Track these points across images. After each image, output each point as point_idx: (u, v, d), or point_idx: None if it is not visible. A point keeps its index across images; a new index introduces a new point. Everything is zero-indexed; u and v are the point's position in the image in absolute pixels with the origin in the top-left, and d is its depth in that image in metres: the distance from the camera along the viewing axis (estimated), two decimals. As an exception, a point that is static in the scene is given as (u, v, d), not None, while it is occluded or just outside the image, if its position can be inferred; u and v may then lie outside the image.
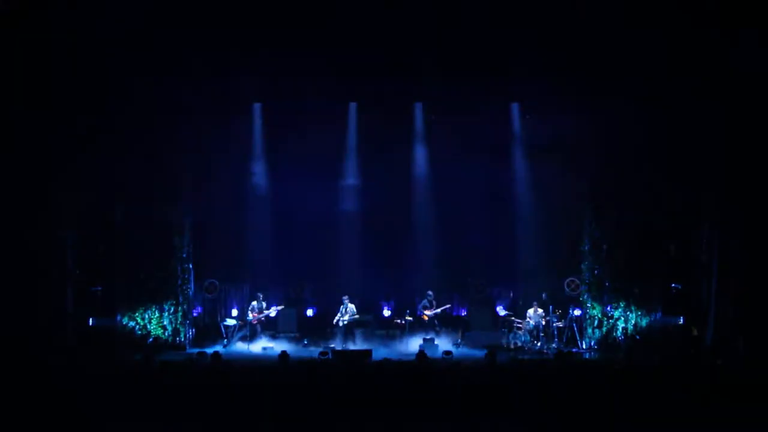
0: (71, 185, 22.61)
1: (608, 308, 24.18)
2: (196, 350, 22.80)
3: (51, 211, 22.28)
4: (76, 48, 20.72)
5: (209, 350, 22.31)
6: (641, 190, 23.94)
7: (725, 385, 15.53)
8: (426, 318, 24.65)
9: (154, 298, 23.84)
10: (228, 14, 20.70)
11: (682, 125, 22.70)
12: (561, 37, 21.00)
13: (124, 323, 23.55)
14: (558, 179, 24.77)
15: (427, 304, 24.84)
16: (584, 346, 23.88)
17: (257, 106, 25.34)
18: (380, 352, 22.19)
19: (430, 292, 24.99)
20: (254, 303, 24.68)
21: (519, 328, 24.09)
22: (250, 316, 24.36)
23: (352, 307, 24.48)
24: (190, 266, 24.53)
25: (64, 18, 20.11)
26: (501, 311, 24.90)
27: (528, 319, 24.16)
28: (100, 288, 23.62)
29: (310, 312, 25.23)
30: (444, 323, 24.73)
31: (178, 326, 23.97)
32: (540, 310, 24.18)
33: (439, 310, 24.73)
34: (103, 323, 23.37)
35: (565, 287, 25.00)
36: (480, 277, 25.54)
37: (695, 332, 23.60)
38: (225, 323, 24.50)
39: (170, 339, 23.79)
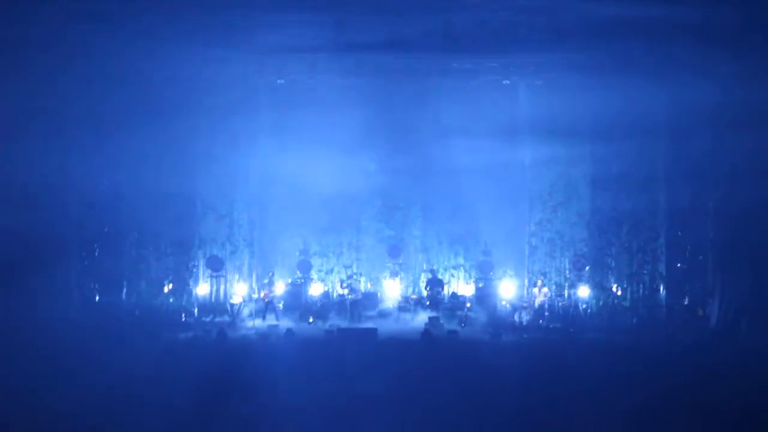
0: (81, 160, 22.55)
1: (613, 287, 24.22)
2: (201, 327, 22.88)
3: (59, 185, 22.22)
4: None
5: (215, 327, 22.46)
6: (647, 169, 23.90)
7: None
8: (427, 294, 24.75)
9: (160, 275, 23.82)
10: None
11: (687, 104, 22.61)
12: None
13: (131, 300, 23.53)
14: (563, 158, 24.70)
15: (434, 283, 24.86)
16: (589, 326, 23.83)
17: (264, 82, 25.16)
18: (386, 330, 22.20)
19: (435, 270, 25.03)
20: (265, 280, 24.71)
21: (524, 307, 24.07)
22: (261, 294, 24.35)
23: (358, 284, 24.48)
24: (197, 243, 24.54)
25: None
26: (506, 290, 24.84)
27: (533, 298, 24.15)
28: (106, 263, 23.57)
29: (316, 290, 25.20)
30: (450, 302, 24.70)
31: (183, 303, 23.96)
32: (545, 289, 24.18)
33: (443, 289, 24.76)
34: (109, 299, 23.34)
35: (571, 266, 24.97)
36: (486, 255, 25.48)
37: (701, 312, 23.58)
38: (231, 300, 24.50)
39: (176, 316, 23.76)
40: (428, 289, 24.76)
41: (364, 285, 25.00)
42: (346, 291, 24.43)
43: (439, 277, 25.11)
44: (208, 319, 23.85)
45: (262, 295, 24.40)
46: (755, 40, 20.93)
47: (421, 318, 23.69)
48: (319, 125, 24.45)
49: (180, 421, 13.44)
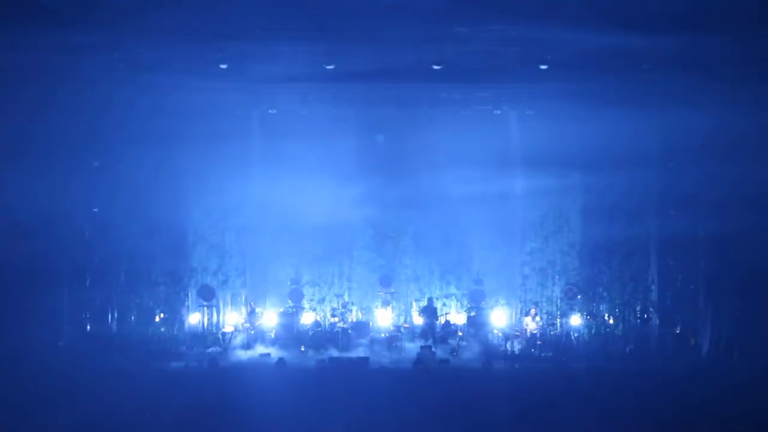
0: (71, 189, 22.53)
1: (604, 316, 24.23)
2: (193, 357, 22.78)
3: (49, 215, 22.17)
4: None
5: (206, 357, 22.38)
6: (639, 199, 24.02)
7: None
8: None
9: (151, 304, 23.78)
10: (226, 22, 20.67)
11: (678, 134, 22.70)
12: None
13: (121, 329, 23.45)
14: (555, 187, 24.79)
15: (428, 311, 24.78)
16: (581, 355, 23.78)
17: (256, 111, 25.26)
18: (378, 359, 22.14)
19: (431, 299, 25.01)
20: (256, 309, 24.64)
21: (516, 336, 24.03)
22: (250, 323, 24.26)
23: (349, 313, 24.46)
24: (188, 272, 24.52)
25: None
26: (498, 319, 24.82)
27: (525, 327, 24.11)
28: (96, 292, 23.50)
29: (307, 318, 25.14)
30: (441, 330, 24.64)
31: (174, 332, 23.89)
32: (537, 318, 24.17)
33: (439, 318, 24.71)
34: (100, 328, 23.25)
35: (563, 295, 24.98)
36: (478, 284, 25.49)
37: (693, 342, 23.54)
38: (222, 329, 24.42)
39: (167, 345, 23.66)
40: (421, 315, 24.72)
41: (355, 314, 24.94)
42: (337, 320, 24.40)
43: (434, 306, 25.06)
44: (199, 349, 23.79)
45: (247, 325, 24.32)
46: (746, 72, 21.07)
47: (413, 347, 23.63)
48: (310, 155, 24.50)
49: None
